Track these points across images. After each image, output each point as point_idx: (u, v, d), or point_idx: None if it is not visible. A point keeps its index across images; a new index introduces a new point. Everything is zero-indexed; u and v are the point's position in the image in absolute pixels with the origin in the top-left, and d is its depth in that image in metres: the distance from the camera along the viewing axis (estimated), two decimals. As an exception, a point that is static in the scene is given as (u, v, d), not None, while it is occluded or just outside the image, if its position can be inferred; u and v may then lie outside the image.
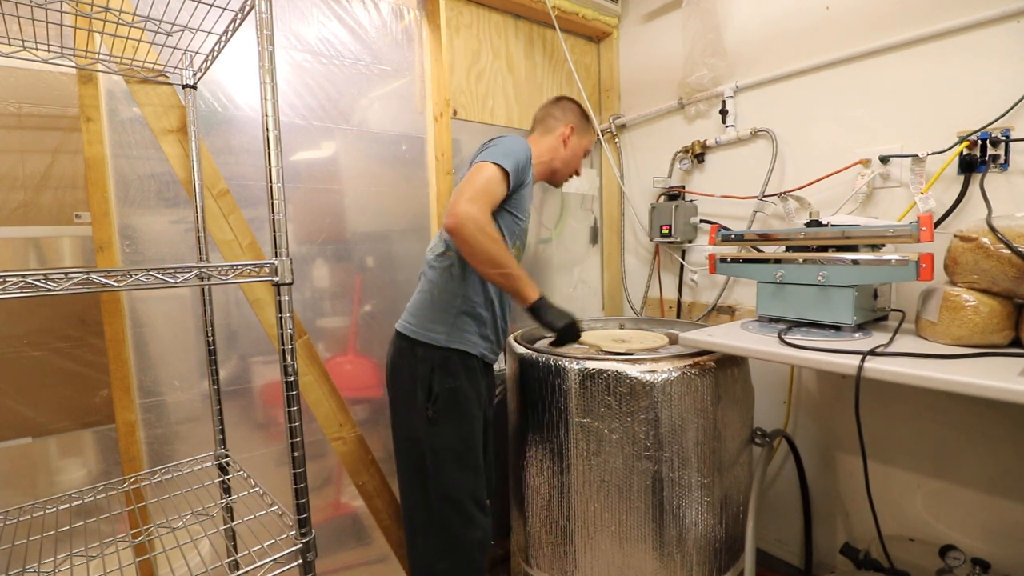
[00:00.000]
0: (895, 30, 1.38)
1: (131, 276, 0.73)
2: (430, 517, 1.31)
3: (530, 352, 1.38)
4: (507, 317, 1.40)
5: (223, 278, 0.81)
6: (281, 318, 0.85)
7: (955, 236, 1.08)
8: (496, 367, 1.93)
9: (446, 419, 1.26)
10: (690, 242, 1.95)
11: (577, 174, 1.53)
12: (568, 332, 1.27)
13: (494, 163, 1.19)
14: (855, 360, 0.96)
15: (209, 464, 1.29)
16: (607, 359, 1.27)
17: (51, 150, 1.36)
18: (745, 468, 1.41)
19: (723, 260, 1.41)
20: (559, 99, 1.50)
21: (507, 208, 1.28)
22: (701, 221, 1.91)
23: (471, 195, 1.15)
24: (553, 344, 1.34)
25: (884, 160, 1.41)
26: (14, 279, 0.65)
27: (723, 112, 1.78)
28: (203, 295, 1.28)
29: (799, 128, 1.62)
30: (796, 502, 1.64)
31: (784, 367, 1.68)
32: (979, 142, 1.24)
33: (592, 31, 2.13)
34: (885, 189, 1.44)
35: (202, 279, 0.80)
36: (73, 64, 1.15)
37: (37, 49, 1.07)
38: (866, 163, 1.45)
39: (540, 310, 1.23)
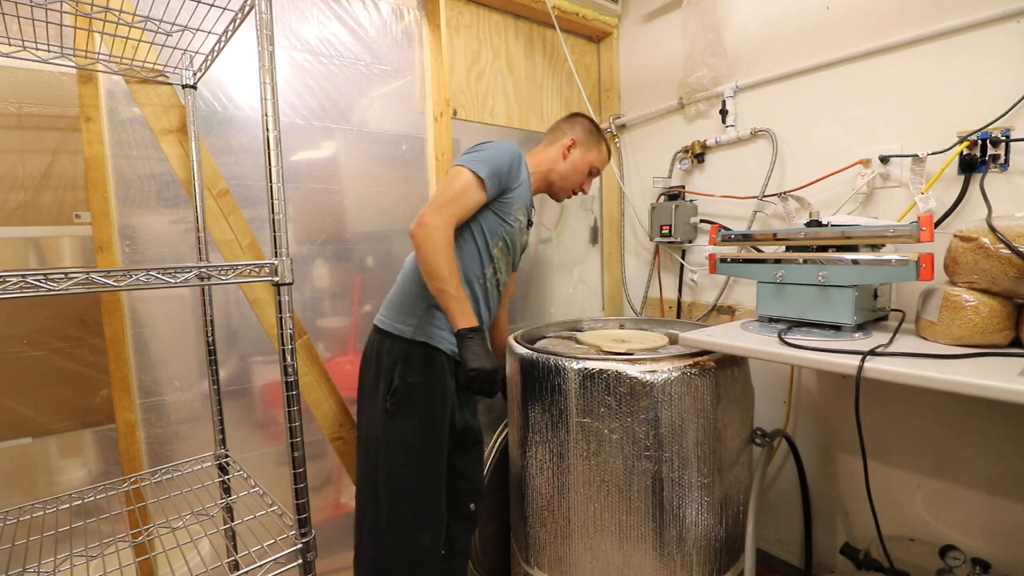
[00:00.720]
0: (895, 30, 1.38)
1: (131, 276, 0.73)
2: (378, 514, 1.25)
3: (530, 352, 1.38)
4: (485, 316, 1.36)
5: (223, 278, 0.81)
6: (281, 318, 0.85)
7: (955, 236, 1.08)
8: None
9: (403, 413, 1.23)
10: (690, 242, 1.95)
11: (583, 191, 1.50)
12: (482, 378, 1.12)
13: (469, 169, 1.20)
14: (855, 360, 0.96)
15: (209, 464, 1.29)
16: (607, 359, 1.27)
17: (51, 150, 1.36)
18: (745, 468, 1.41)
19: (723, 260, 1.41)
20: (572, 115, 1.49)
21: (492, 209, 1.28)
22: (701, 221, 1.91)
23: (438, 205, 1.17)
24: (463, 388, 1.23)
25: (884, 160, 1.41)
26: (14, 279, 0.65)
27: (723, 112, 1.78)
28: (203, 295, 1.28)
29: (799, 128, 1.62)
30: (796, 502, 1.64)
31: (784, 367, 1.68)
32: (979, 142, 1.24)
33: (592, 31, 2.13)
34: (885, 189, 1.44)
35: (202, 279, 0.80)
36: (73, 64, 1.15)
37: (37, 49, 1.07)
38: (866, 163, 1.44)
39: (463, 341, 1.15)
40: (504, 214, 1.30)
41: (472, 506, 1.42)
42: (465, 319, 1.16)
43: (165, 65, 1.24)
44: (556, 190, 1.47)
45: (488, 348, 1.18)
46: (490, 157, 1.23)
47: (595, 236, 2.26)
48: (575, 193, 1.50)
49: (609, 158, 1.51)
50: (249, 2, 0.90)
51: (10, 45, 1.03)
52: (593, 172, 1.48)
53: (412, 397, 1.24)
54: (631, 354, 1.36)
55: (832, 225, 1.24)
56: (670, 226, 1.89)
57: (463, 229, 1.27)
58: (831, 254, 1.20)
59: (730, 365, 1.31)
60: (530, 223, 1.45)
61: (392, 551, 1.24)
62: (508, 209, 1.31)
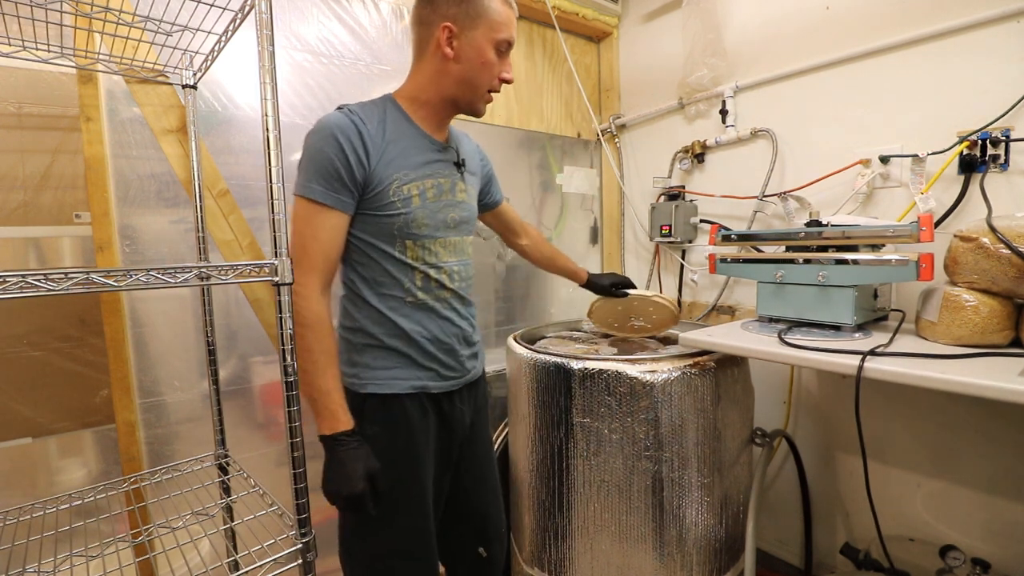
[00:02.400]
0: (895, 30, 1.38)
1: (131, 276, 0.73)
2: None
3: (530, 352, 1.38)
4: (452, 316, 1.08)
5: (223, 278, 0.81)
6: (281, 318, 0.85)
7: (955, 236, 1.08)
8: (492, 369, 1.91)
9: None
10: (690, 242, 1.95)
11: (504, 81, 1.04)
12: (338, 504, 0.95)
13: (302, 197, 0.93)
14: (855, 360, 0.96)
15: (209, 464, 1.29)
16: (607, 359, 1.27)
17: (51, 150, 1.36)
18: (745, 468, 1.41)
19: (723, 260, 1.41)
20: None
21: (362, 211, 0.98)
22: (701, 221, 1.91)
23: (296, 262, 0.91)
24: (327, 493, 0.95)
25: (884, 160, 1.41)
26: (14, 279, 0.65)
27: (723, 112, 1.78)
28: (203, 295, 1.28)
29: (799, 128, 1.62)
30: (796, 502, 1.64)
31: (784, 367, 1.68)
32: (979, 142, 1.24)
33: (592, 31, 2.13)
34: (885, 189, 1.44)
35: (202, 279, 0.80)
36: (73, 64, 1.15)
37: (37, 49, 1.07)
38: (866, 163, 1.44)
39: (331, 446, 0.94)
40: (383, 205, 0.97)
41: (481, 550, 1.21)
42: (327, 421, 0.93)
43: (165, 65, 1.24)
44: (466, 105, 1.05)
45: (360, 460, 0.93)
46: (311, 161, 0.94)
47: (595, 236, 2.26)
48: (493, 91, 1.05)
49: (512, 5, 1.02)
50: (249, 2, 0.90)
51: (10, 45, 1.03)
52: (502, 47, 1.00)
53: (372, 449, 1.00)
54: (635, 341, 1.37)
55: (832, 225, 1.24)
56: (670, 226, 1.89)
57: (352, 260, 1.03)
58: (831, 254, 1.20)
59: (730, 365, 1.31)
60: (458, 165, 1.09)
61: None
62: (385, 195, 0.97)
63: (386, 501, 0.99)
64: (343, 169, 0.94)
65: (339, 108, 1.00)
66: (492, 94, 1.06)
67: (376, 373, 1.03)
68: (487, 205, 1.32)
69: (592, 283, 1.54)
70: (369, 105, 1.02)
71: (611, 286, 1.53)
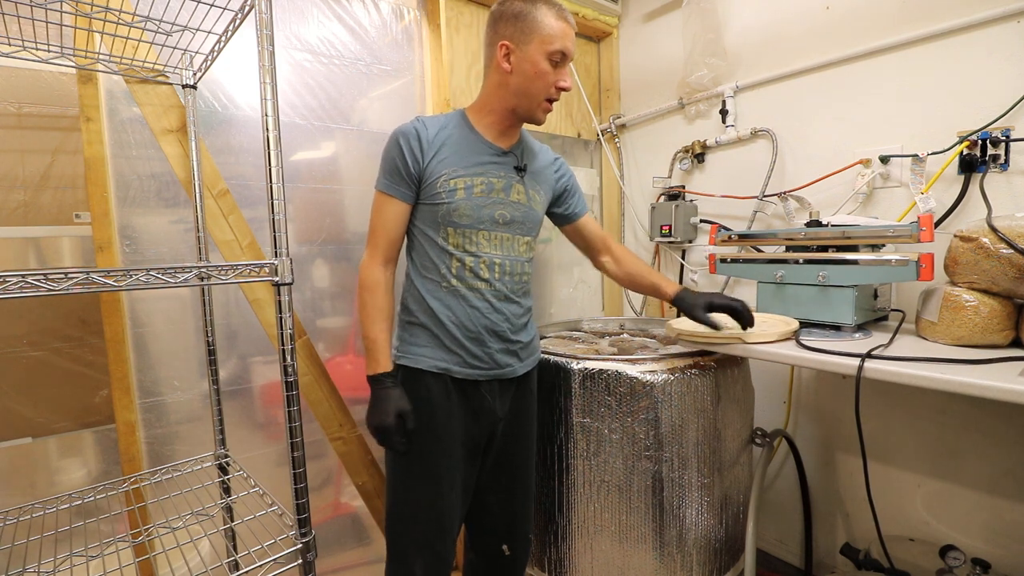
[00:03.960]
0: (895, 30, 1.38)
1: (131, 276, 0.73)
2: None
3: (530, 352, 1.38)
4: (482, 306, 1.13)
5: (223, 278, 0.81)
6: (281, 318, 0.85)
7: (955, 236, 1.08)
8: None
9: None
10: (690, 242, 1.95)
11: (563, 89, 1.11)
12: (375, 435, 1.08)
13: (376, 190, 1.13)
14: (855, 360, 0.96)
15: (209, 464, 1.29)
16: (608, 359, 1.27)
17: (51, 150, 1.36)
18: (745, 468, 1.41)
19: (723, 260, 1.41)
20: (489, 18, 1.13)
21: (420, 202, 1.12)
22: (701, 221, 1.91)
23: (367, 240, 1.13)
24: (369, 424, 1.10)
25: (884, 160, 1.41)
26: (14, 279, 0.65)
27: (723, 112, 1.78)
28: (203, 295, 1.28)
29: (799, 128, 1.62)
30: (796, 502, 1.64)
31: (784, 367, 1.68)
32: (979, 142, 1.24)
33: (592, 31, 2.13)
34: (885, 189, 1.44)
35: (202, 279, 0.80)
36: (73, 64, 1.15)
37: (37, 49, 1.07)
38: (866, 163, 1.44)
39: (373, 385, 1.09)
40: (432, 195, 1.10)
41: (505, 548, 1.25)
42: (370, 363, 1.10)
43: (165, 65, 1.24)
44: (527, 113, 1.13)
45: (391, 400, 1.07)
46: (383, 161, 1.12)
47: (595, 236, 2.26)
48: (552, 100, 1.12)
49: (565, 17, 1.09)
50: (249, 2, 0.89)
51: (10, 45, 1.03)
52: (556, 58, 1.07)
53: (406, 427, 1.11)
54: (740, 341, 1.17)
55: (832, 225, 1.24)
56: (670, 226, 1.89)
57: (415, 243, 1.16)
58: (831, 254, 1.20)
59: (730, 365, 1.31)
60: (519, 169, 1.16)
61: None
62: (434, 186, 1.09)
63: (402, 465, 1.12)
64: (402, 166, 1.09)
65: (415, 118, 1.15)
66: (552, 103, 1.13)
67: (409, 348, 1.14)
68: (563, 216, 1.34)
69: (681, 303, 1.25)
70: (440, 116, 1.16)
71: (704, 308, 1.21)
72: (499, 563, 1.26)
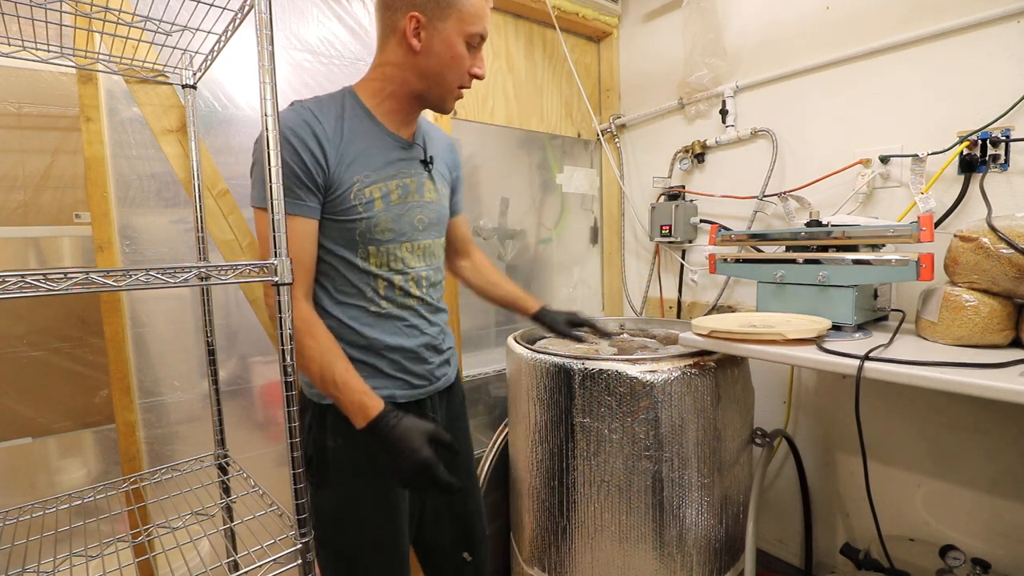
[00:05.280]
0: (895, 30, 1.38)
1: (131, 276, 0.73)
2: None
3: (530, 352, 1.38)
4: (420, 324, 1.03)
5: (223, 278, 0.81)
6: (281, 318, 0.85)
7: (955, 236, 1.08)
8: (492, 369, 1.90)
9: (326, 483, 1.00)
10: (690, 242, 1.95)
11: (476, 77, 0.96)
12: (420, 478, 0.86)
13: (258, 208, 0.89)
14: (855, 360, 0.96)
15: (209, 464, 1.29)
16: (608, 359, 1.27)
17: (51, 150, 1.36)
18: (745, 468, 1.41)
19: (723, 260, 1.41)
20: None
21: (328, 216, 0.92)
22: (701, 221, 1.91)
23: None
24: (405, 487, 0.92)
25: (884, 160, 1.41)
26: (14, 279, 0.65)
27: (723, 112, 1.78)
28: (203, 295, 1.28)
29: (799, 128, 1.62)
30: (796, 502, 1.64)
31: (784, 367, 1.68)
32: (979, 142, 1.24)
33: (592, 31, 2.13)
34: (885, 189, 1.44)
35: (202, 279, 0.80)
36: (73, 64, 1.15)
37: (37, 49, 1.07)
38: (866, 163, 1.44)
39: (374, 438, 0.87)
40: (343, 210, 0.92)
41: (466, 555, 1.18)
42: (358, 412, 0.88)
43: (165, 65, 1.24)
44: (436, 101, 0.97)
45: (413, 429, 0.88)
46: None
47: (595, 236, 2.26)
48: (464, 87, 0.97)
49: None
50: (249, 2, 0.89)
51: (10, 45, 1.03)
52: (474, 41, 0.93)
53: (332, 464, 0.99)
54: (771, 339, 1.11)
55: (832, 225, 1.24)
56: (670, 226, 1.89)
57: (323, 266, 0.97)
58: (831, 254, 1.20)
59: (730, 365, 1.31)
60: (425, 163, 1.02)
61: None
62: (345, 199, 0.91)
63: (354, 502, 0.98)
64: (303, 173, 0.88)
65: (291, 104, 0.91)
66: (463, 90, 0.98)
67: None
68: None
69: (544, 318, 1.30)
70: (325, 99, 0.94)
71: (567, 324, 1.30)
72: (462, 571, 1.19)
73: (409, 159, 1.00)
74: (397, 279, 0.99)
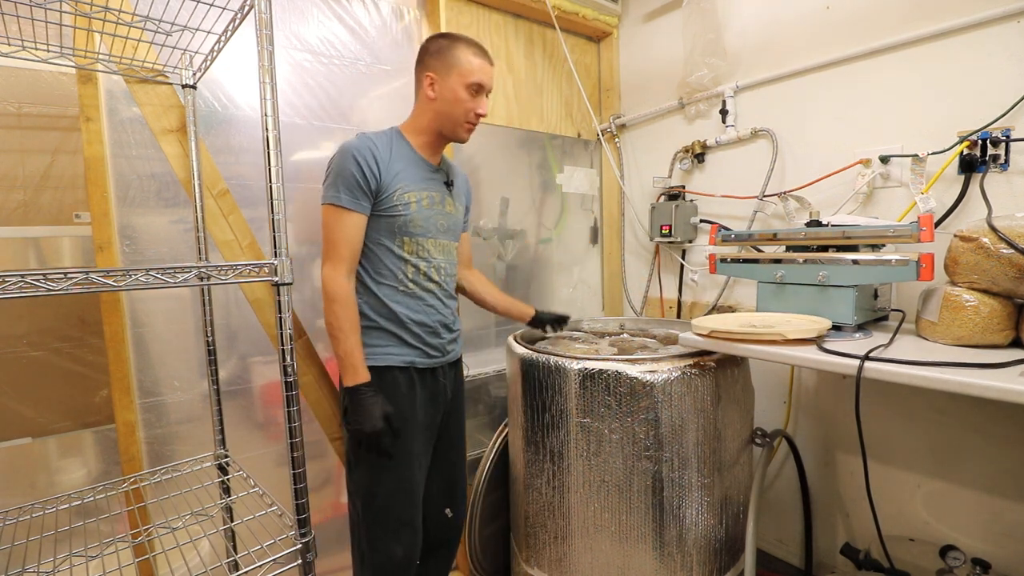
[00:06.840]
0: (895, 30, 1.38)
1: (131, 276, 0.73)
2: (356, 527, 1.28)
3: (530, 352, 1.38)
4: (437, 304, 1.30)
5: (223, 278, 0.81)
6: (281, 318, 0.85)
7: (955, 236, 1.08)
8: (492, 369, 1.91)
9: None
10: (690, 242, 1.95)
11: (479, 116, 1.28)
12: (360, 439, 1.16)
13: (329, 204, 1.18)
14: (855, 361, 0.96)
15: (209, 464, 1.29)
16: (607, 359, 1.27)
17: (51, 150, 1.36)
18: (745, 468, 1.41)
19: (723, 260, 1.41)
20: (419, 51, 1.30)
21: (375, 213, 1.22)
22: (701, 221, 1.91)
23: (325, 255, 1.19)
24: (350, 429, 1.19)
25: (884, 160, 1.41)
26: (14, 279, 0.65)
27: (723, 112, 1.78)
28: (203, 295, 1.28)
29: (799, 128, 1.62)
30: (796, 502, 1.64)
31: (784, 367, 1.68)
32: (979, 142, 1.24)
33: (592, 31, 2.13)
34: (885, 189, 1.44)
35: (202, 279, 0.80)
36: (73, 64, 1.15)
37: (37, 49, 1.07)
38: (866, 163, 1.44)
39: (348, 397, 1.17)
40: (388, 208, 1.22)
41: (448, 511, 1.41)
42: (350, 375, 1.16)
43: (165, 65, 1.24)
44: (450, 134, 1.30)
45: (377, 405, 1.16)
46: (337, 176, 1.18)
47: (595, 236, 2.26)
48: (472, 124, 1.29)
49: (482, 55, 1.27)
50: (249, 2, 0.89)
51: (10, 45, 1.03)
52: (473, 89, 1.25)
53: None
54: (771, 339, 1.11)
55: (832, 225, 1.24)
56: (670, 226, 1.89)
57: (367, 252, 1.24)
58: (831, 254, 1.20)
59: (730, 365, 1.31)
60: (448, 184, 1.34)
61: (369, 564, 1.25)
62: (390, 200, 1.22)
63: (391, 461, 1.21)
64: (362, 181, 1.18)
65: (358, 135, 1.25)
66: (471, 125, 1.30)
67: (373, 349, 1.24)
68: None
69: (539, 319, 1.61)
70: (381, 134, 1.28)
71: (553, 322, 1.63)
72: (442, 525, 1.41)
73: (436, 179, 1.32)
74: (423, 265, 1.28)
